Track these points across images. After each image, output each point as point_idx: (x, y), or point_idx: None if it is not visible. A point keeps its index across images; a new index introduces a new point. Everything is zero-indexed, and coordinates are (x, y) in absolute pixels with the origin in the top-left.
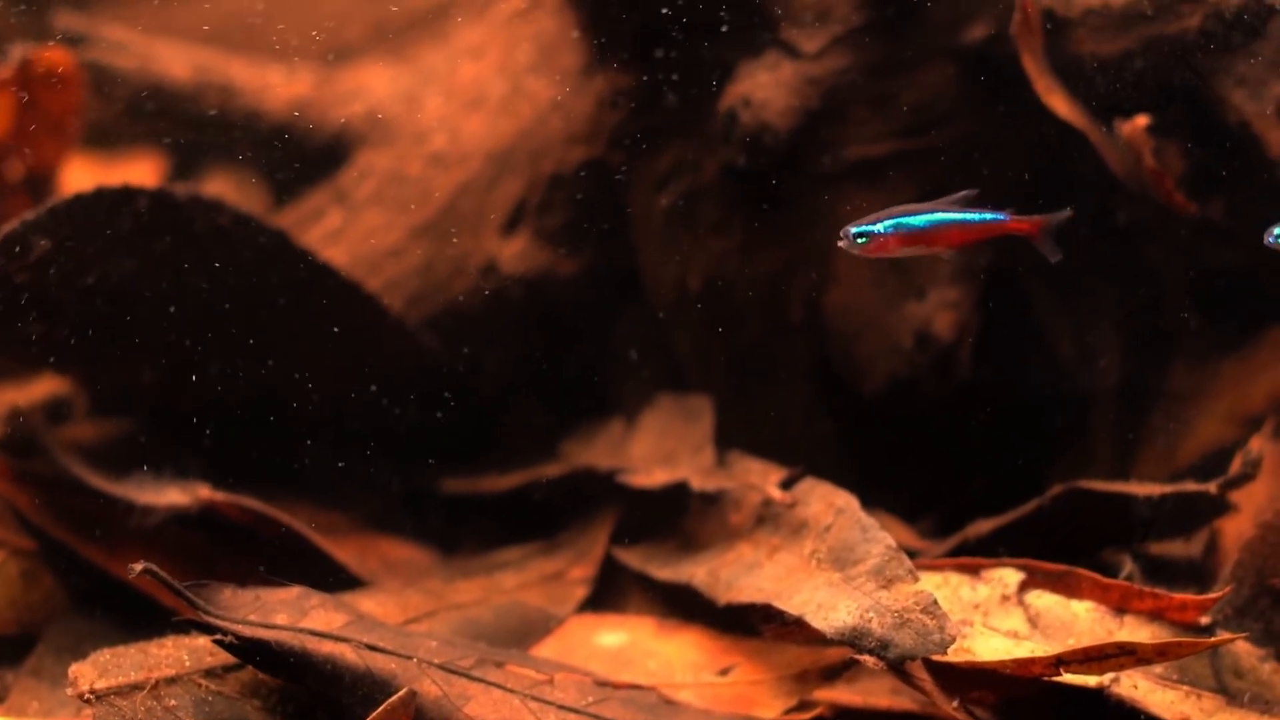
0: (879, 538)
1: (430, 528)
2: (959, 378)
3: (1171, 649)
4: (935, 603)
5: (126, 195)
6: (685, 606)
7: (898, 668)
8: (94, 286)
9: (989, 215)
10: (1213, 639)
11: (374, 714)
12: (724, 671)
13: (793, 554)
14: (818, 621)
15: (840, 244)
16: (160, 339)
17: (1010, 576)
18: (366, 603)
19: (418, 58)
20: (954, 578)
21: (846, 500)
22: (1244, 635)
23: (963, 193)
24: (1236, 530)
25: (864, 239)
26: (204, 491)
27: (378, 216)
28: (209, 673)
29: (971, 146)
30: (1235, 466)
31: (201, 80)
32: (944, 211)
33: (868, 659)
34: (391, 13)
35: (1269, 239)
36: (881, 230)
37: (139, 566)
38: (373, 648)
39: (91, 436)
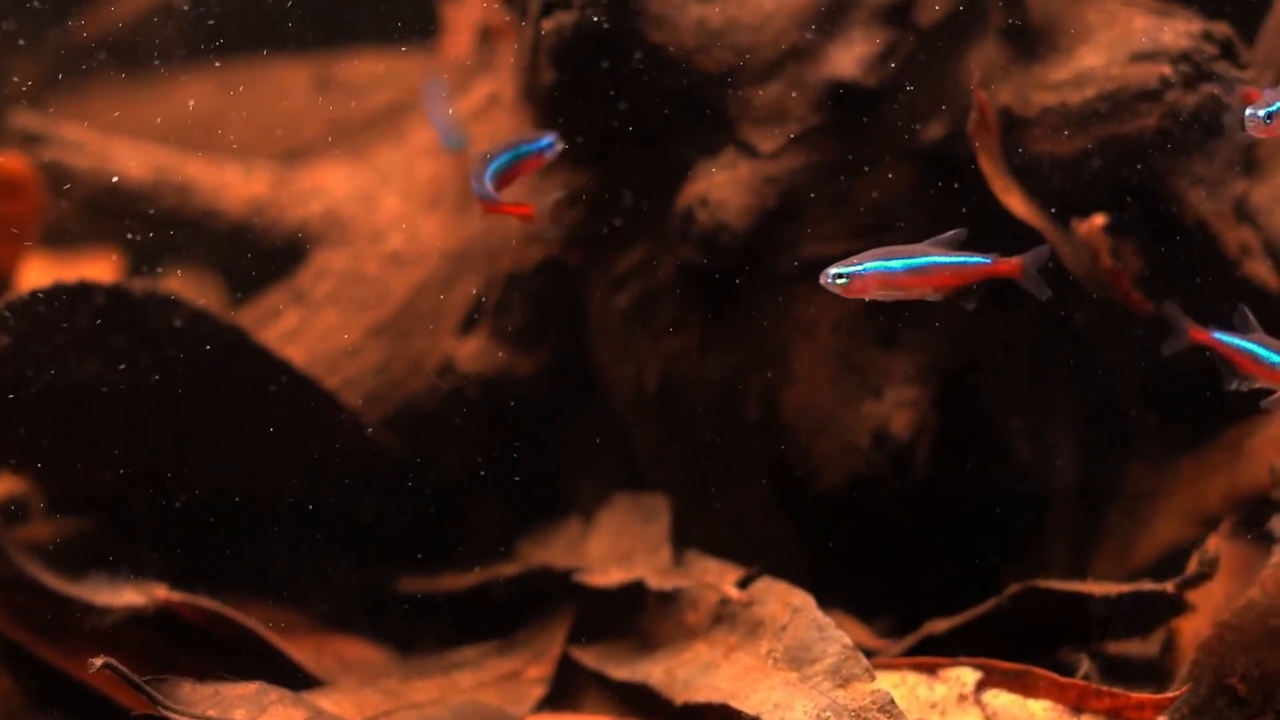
0: (835, 637)
1: (387, 627)
2: (916, 477)
3: None
4: (892, 702)
5: (83, 291)
6: (642, 706)
7: None
8: (51, 384)
9: (973, 259)
10: None
11: None
12: None
13: (749, 653)
14: None
15: (822, 282)
16: (117, 436)
17: (967, 675)
18: (323, 702)
19: (375, 157)
20: (911, 677)
21: (803, 599)
22: None
23: (952, 232)
24: (1194, 630)
25: (844, 279)
26: (160, 591)
27: (335, 316)
28: None
29: None
30: (1192, 566)
31: (159, 179)
32: (927, 255)
33: None
34: (348, 112)
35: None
36: (863, 271)
37: (98, 662)
38: None
39: (48, 536)
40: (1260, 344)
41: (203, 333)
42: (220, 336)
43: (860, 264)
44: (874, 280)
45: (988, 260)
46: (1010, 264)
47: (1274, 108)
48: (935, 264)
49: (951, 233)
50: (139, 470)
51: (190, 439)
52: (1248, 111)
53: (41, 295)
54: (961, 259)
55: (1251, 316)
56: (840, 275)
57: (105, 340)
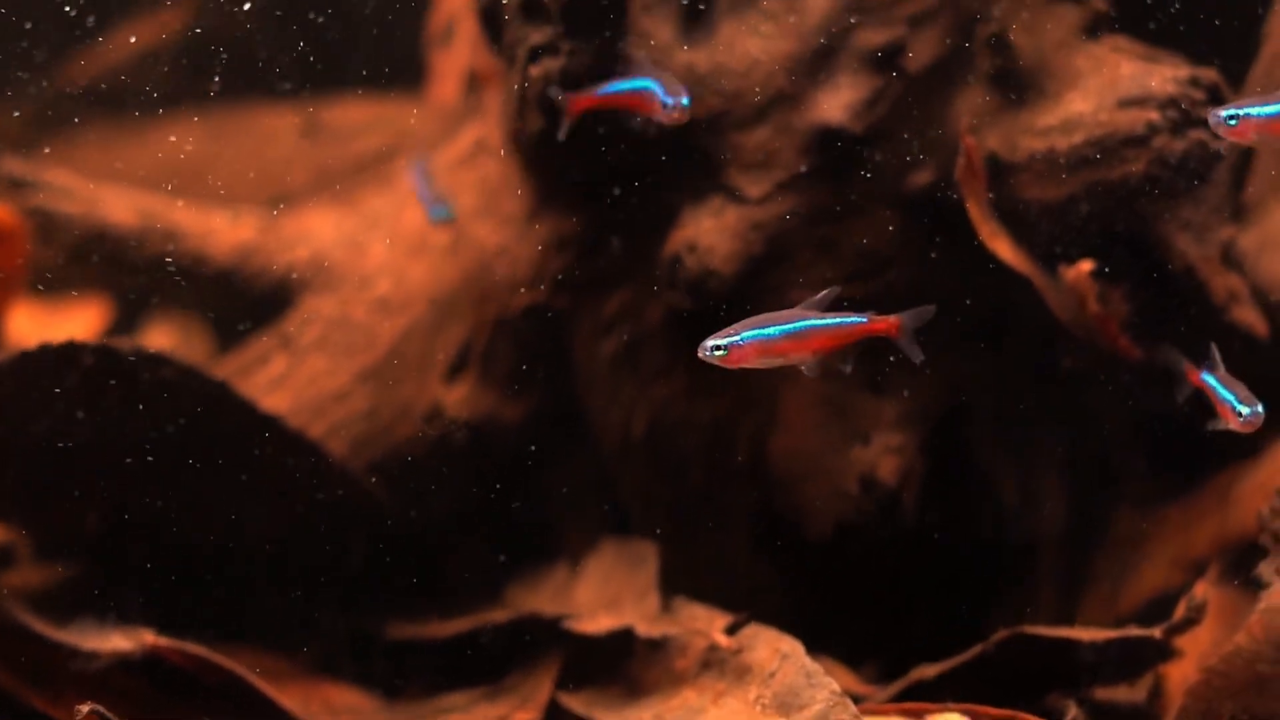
0: (824, 683)
1: (375, 673)
2: (904, 522)
3: None
4: None
5: (71, 351)
6: None
7: None
8: (40, 438)
9: (850, 319)
10: None
11: None
12: None
13: (738, 699)
14: None
15: (700, 356)
16: (106, 486)
17: None
18: None
19: (362, 203)
20: None
21: (791, 646)
22: None
23: (824, 293)
24: (1181, 675)
25: (722, 351)
26: (148, 637)
27: (322, 362)
28: None
29: (916, 291)
30: (1180, 612)
31: (146, 225)
32: (803, 319)
33: None
34: (336, 158)
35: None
36: (740, 340)
37: (85, 708)
38: None
39: (36, 582)
40: (1220, 382)
41: (189, 387)
42: (206, 391)
43: (737, 334)
44: (752, 349)
45: (864, 319)
46: (887, 322)
47: (1237, 110)
48: (812, 327)
49: (824, 293)
50: (127, 517)
51: (178, 487)
52: (1211, 112)
53: (31, 356)
54: (838, 320)
55: (1217, 354)
56: (718, 347)
57: (93, 397)
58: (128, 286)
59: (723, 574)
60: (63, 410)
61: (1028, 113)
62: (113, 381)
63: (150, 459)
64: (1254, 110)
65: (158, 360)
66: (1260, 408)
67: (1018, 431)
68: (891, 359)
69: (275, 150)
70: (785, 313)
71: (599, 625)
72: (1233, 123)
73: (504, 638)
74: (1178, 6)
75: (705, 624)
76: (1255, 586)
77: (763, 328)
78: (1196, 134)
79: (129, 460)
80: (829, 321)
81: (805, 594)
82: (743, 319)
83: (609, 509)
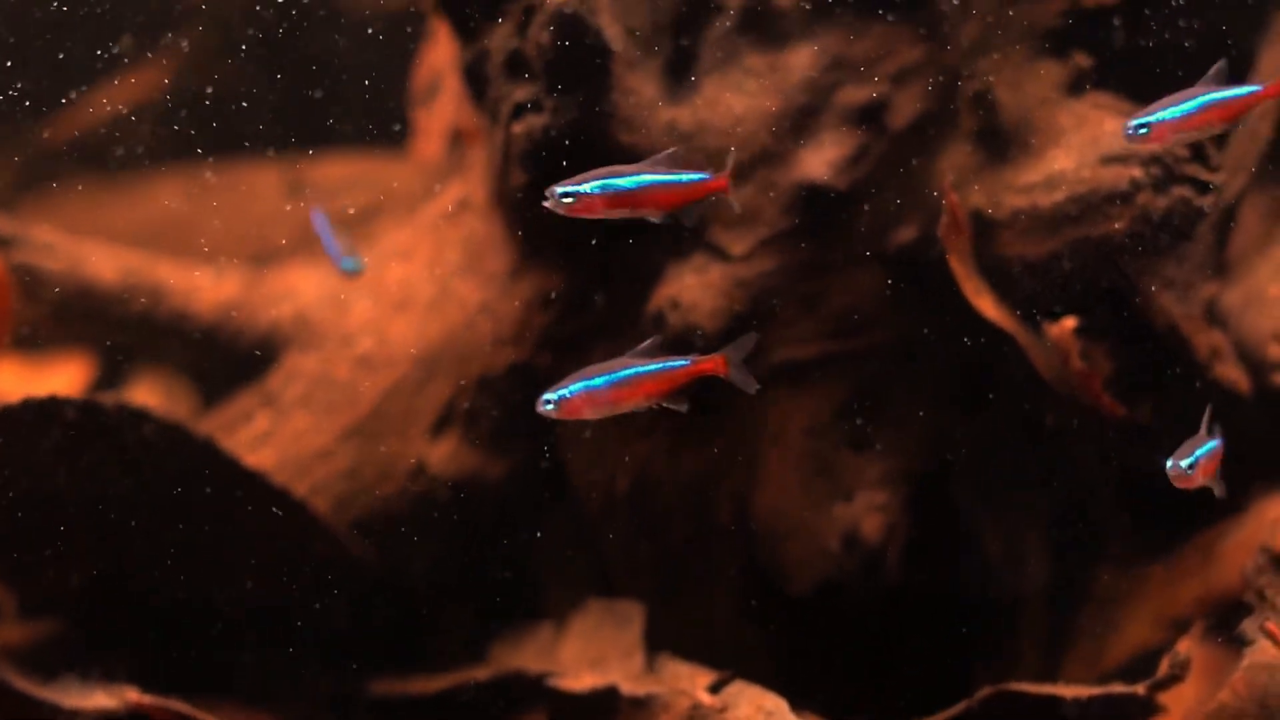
0: None
1: None
2: (887, 580)
3: None
4: None
5: (54, 406)
6: None
7: None
8: (23, 494)
9: (674, 362)
10: None
11: None
12: None
13: None
14: None
15: (538, 410)
16: (89, 543)
17: None
18: None
19: None
20: None
21: (776, 703)
22: None
23: (647, 342)
24: None
25: (551, 405)
26: (131, 694)
27: (306, 419)
28: None
29: (900, 348)
30: (1163, 669)
31: (130, 282)
32: (628, 366)
33: None
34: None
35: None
36: (569, 393)
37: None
38: None
39: (19, 639)
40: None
41: (173, 443)
42: (190, 447)
43: (566, 387)
44: (581, 400)
45: (688, 362)
46: (713, 361)
47: (1147, 118)
48: (639, 373)
49: (647, 343)
50: (111, 574)
51: (162, 544)
52: (1123, 128)
53: (13, 410)
54: (663, 364)
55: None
56: (548, 400)
57: (77, 453)
58: (111, 343)
59: (706, 631)
60: (45, 465)
61: (1011, 169)
62: (96, 437)
63: (133, 515)
64: (1164, 114)
65: (141, 416)
66: (1185, 463)
67: (1001, 488)
68: (877, 416)
69: (259, 207)
70: (611, 363)
71: (583, 683)
72: (1144, 131)
73: (487, 695)
74: (1161, 63)
75: (689, 682)
76: (1239, 644)
77: (590, 379)
78: (1179, 191)
79: (112, 516)
80: (654, 367)
81: (789, 651)
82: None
83: (593, 566)
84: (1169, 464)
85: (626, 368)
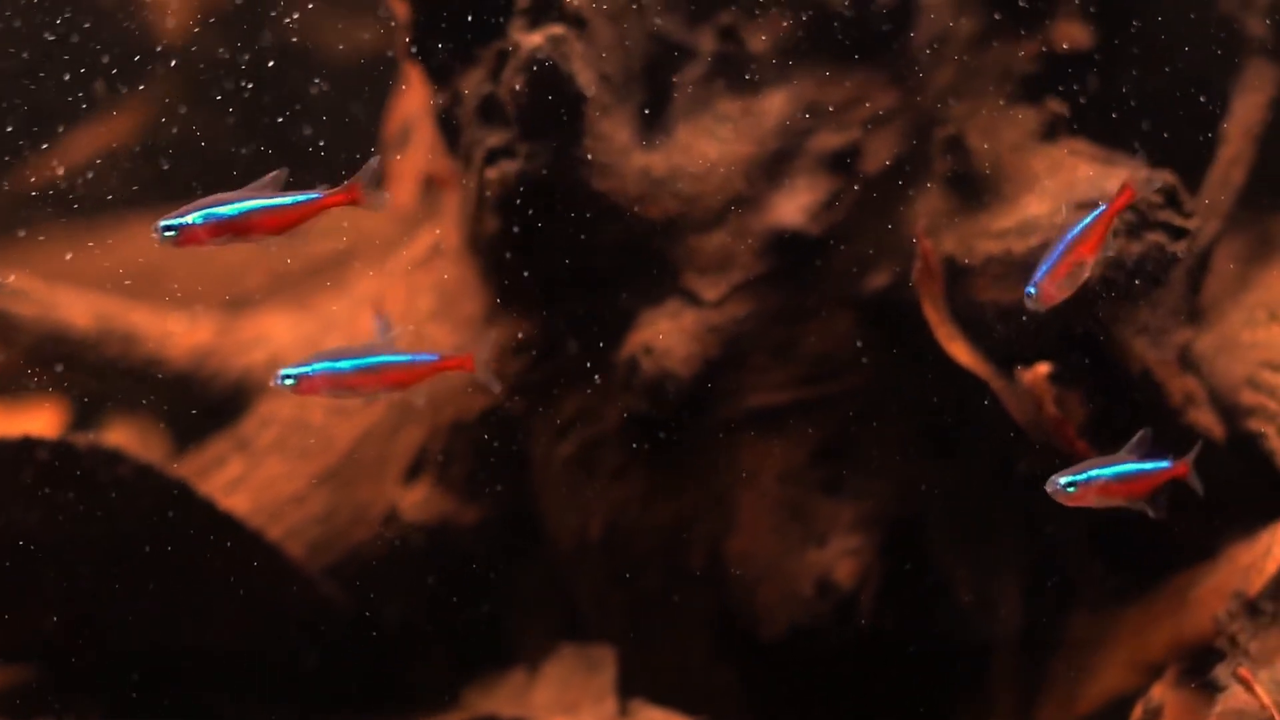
0: None
1: None
2: (860, 625)
3: None
4: None
5: (26, 446)
6: None
7: None
8: None
9: (422, 356)
10: None
11: None
12: None
13: None
14: None
15: (271, 385)
16: (62, 585)
17: None
18: None
19: (318, 306)
20: None
21: None
22: None
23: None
24: None
25: (291, 380)
26: None
27: (279, 464)
28: None
29: (873, 394)
30: (1137, 714)
31: (103, 328)
32: (375, 353)
33: None
34: (292, 261)
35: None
36: (310, 372)
37: None
38: None
39: None
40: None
41: (146, 485)
42: (164, 489)
43: (309, 364)
44: (322, 380)
45: (436, 357)
46: (460, 360)
47: (1076, 476)
48: (385, 363)
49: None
50: (84, 617)
51: (135, 587)
52: (1050, 481)
53: None
54: (411, 357)
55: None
56: (288, 376)
57: (50, 493)
58: (84, 389)
59: (679, 676)
60: (18, 506)
61: (985, 215)
62: (69, 478)
63: (107, 557)
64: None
65: (114, 457)
66: (1063, 481)
67: (975, 534)
68: (851, 461)
69: (232, 253)
70: (359, 346)
71: None
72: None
73: None
74: (1135, 109)
75: None
76: (1212, 689)
77: (335, 360)
78: (1153, 236)
79: (85, 558)
80: (402, 358)
81: (762, 696)
82: (698, 422)
83: (566, 611)
84: (1049, 480)
85: (374, 354)
